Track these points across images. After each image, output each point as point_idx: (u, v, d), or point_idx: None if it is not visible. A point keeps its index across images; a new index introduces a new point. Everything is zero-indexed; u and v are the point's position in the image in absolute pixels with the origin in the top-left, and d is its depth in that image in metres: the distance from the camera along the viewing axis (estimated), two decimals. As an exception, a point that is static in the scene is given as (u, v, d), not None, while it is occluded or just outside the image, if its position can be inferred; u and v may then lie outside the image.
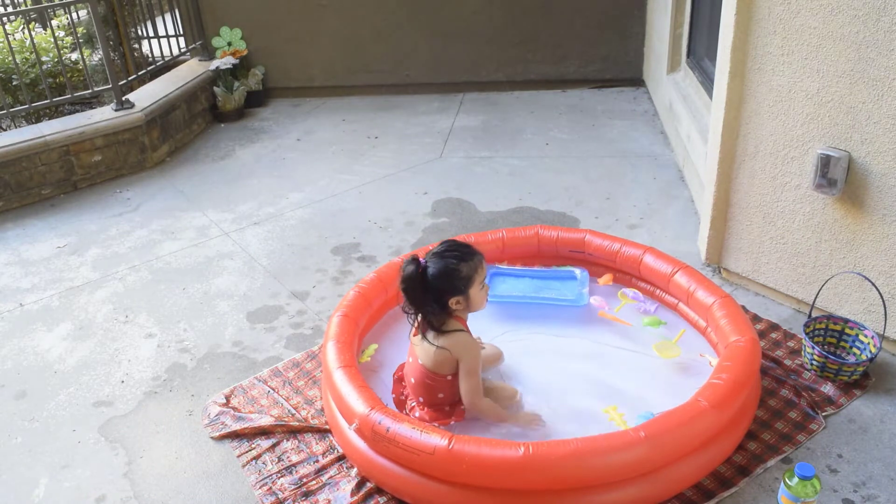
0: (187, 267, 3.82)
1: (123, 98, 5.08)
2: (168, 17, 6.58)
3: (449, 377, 2.45)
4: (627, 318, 2.99)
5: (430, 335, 2.42)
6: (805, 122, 2.76)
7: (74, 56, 6.04)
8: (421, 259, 2.40)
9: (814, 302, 2.82)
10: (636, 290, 3.08)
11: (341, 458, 2.48)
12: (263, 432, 2.62)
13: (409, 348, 2.57)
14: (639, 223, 3.94)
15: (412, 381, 2.51)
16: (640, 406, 2.52)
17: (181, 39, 6.40)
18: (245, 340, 3.19)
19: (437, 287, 2.38)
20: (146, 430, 2.71)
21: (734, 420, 2.35)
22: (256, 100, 6.21)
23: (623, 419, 2.48)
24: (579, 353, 2.85)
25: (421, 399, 2.50)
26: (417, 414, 2.50)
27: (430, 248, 2.51)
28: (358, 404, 2.33)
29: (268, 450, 2.54)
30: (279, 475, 2.43)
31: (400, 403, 2.60)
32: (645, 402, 2.55)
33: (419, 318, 2.45)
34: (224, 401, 2.80)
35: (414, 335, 2.51)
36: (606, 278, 3.19)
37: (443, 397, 2.49)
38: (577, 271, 3.22)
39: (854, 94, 2.58)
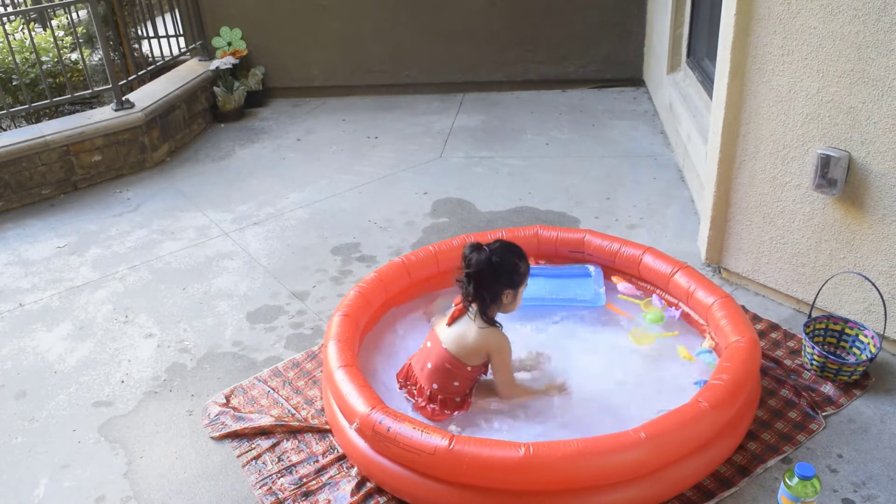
0: (187, 267, 3.82)
1: (123, 98, 5.08)
2: (168, 17, 6.58)
3: (469, 368, 2.49)
4: (631, 311, 3.02)
5: (477, 322, 2.47)
6: (805, 122, 2.76)
7: (74, 56, 6.04)
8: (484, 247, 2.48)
9: (814, 302, 2.82)
10: (654, 296, 3.06)
11: (341, 457, 2.48)
12: (263, 432, 2.62)
13: (430, 334, 2.60)
14: (639, 223, 3.93)
15: (428, 366, 2.53)
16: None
17: (181, 39, 6.39)
18: (245, 340, 3.19)
19: (498, 276, 2.46)
20: (146, 430, 2.71)
21: (734, 420, 2.35)
22: (256, 100, 6.20)
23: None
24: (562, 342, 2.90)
25: (435, 386, 2.51)
26: (426, 394, 2.52)
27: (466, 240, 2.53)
28: (359, 404, 2.33)
29: (268, 450, 2.54)
30: (279, 475, 2.43)
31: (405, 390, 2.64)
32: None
33: (470, 304, 2.50)
34: (224, 401, 2.80)
35: (448, 324, 2.54)
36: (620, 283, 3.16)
37: (458, 386, 2.52)
38: (591, 268, 3.20)
39: (854, 94, 2.58)
